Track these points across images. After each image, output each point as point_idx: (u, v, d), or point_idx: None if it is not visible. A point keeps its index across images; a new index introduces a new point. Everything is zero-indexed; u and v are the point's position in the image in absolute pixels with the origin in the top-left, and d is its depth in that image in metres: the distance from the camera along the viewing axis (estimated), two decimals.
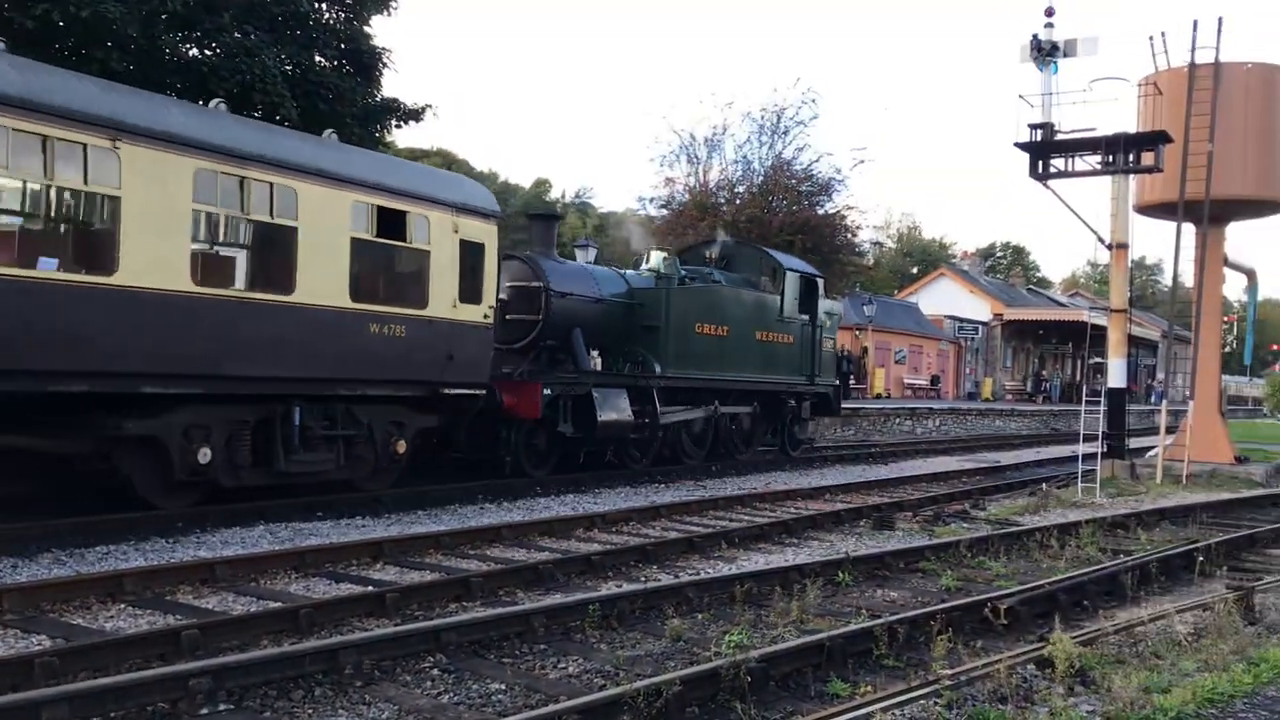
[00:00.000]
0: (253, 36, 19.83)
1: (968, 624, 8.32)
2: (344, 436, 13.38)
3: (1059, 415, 45.51)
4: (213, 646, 6.97)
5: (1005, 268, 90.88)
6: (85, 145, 10.41)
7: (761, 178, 38.93)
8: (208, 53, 20.16)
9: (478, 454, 15.92)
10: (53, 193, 10.68)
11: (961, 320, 63.03)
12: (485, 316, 14.81)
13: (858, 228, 41.28)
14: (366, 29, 22.93)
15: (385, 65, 23.29)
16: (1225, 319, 33.66)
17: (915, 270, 75.56)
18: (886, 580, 10.55)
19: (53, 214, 10.99)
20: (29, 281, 10.02)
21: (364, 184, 13.17)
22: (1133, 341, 30.79)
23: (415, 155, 46.73)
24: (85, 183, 10.57)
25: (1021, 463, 25.42)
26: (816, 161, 39.15)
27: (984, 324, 64.19)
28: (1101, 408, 20.93)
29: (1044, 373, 59.82)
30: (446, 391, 14.36)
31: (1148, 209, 25.26)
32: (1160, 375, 59.46)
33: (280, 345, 12.19)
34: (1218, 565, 11.41)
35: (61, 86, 10.53)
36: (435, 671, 6.83)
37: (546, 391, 15.79)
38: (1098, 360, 29.37)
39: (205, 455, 11.68)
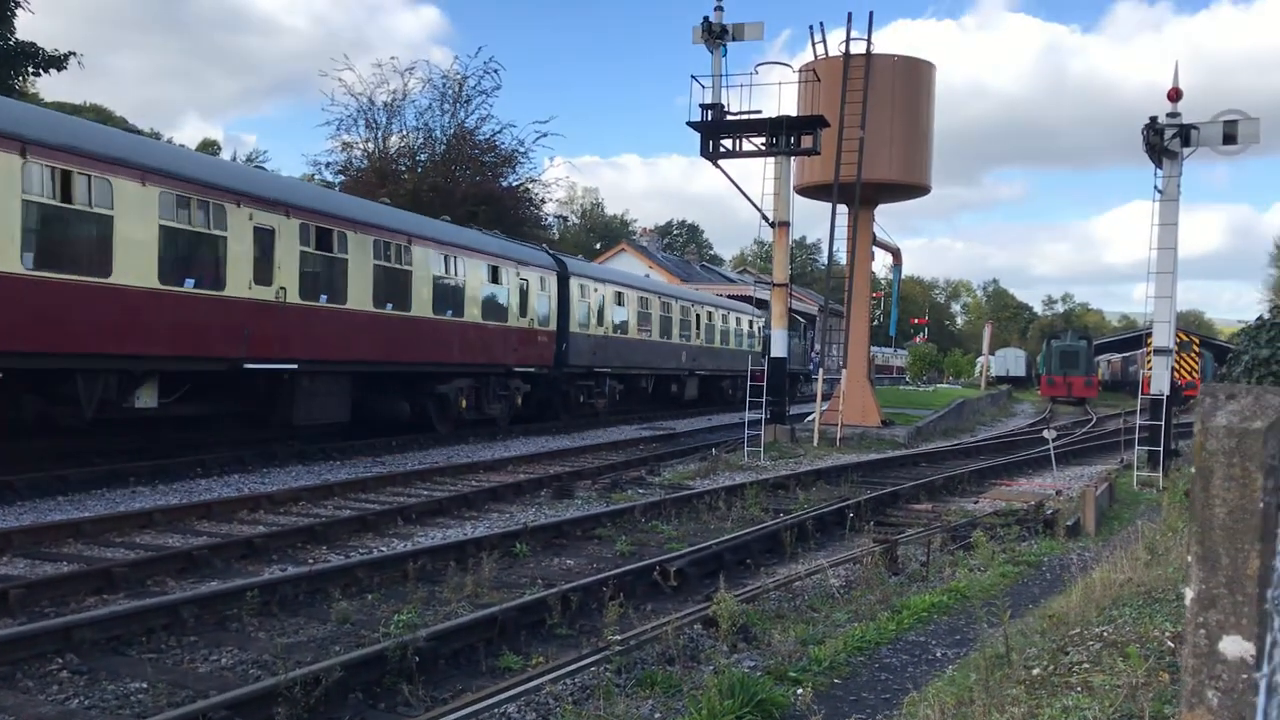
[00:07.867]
0: None
1: (639, 587, 8.47)
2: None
3: None
4: None
5: (681, 245, 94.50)
6: None
7: (444, 146, 38.31)
8: None
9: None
10: None
11: None
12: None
13: (542, 201, 41.60)
14: None
15: (18, 4, 20.92)
16: (873, 294, 36.52)
17: (598, 246, 77.00)
18: (564, 549, 10.60)
19: None
20: None
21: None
22: (793, 315, 33.34)
23: (64, 110, 42.18)
24: None
25: (695, 429, 26.48)
26: (500, 132, 39.06)
27: None
28: (765, 377, 22.13)
29: None
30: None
31: (807, 190, 26.91)
32: (817, 346, 63.77)
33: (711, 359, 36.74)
34: (866, 521, 12.32)
35: None
36: (65, 674, 6.15)
37: None
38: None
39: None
